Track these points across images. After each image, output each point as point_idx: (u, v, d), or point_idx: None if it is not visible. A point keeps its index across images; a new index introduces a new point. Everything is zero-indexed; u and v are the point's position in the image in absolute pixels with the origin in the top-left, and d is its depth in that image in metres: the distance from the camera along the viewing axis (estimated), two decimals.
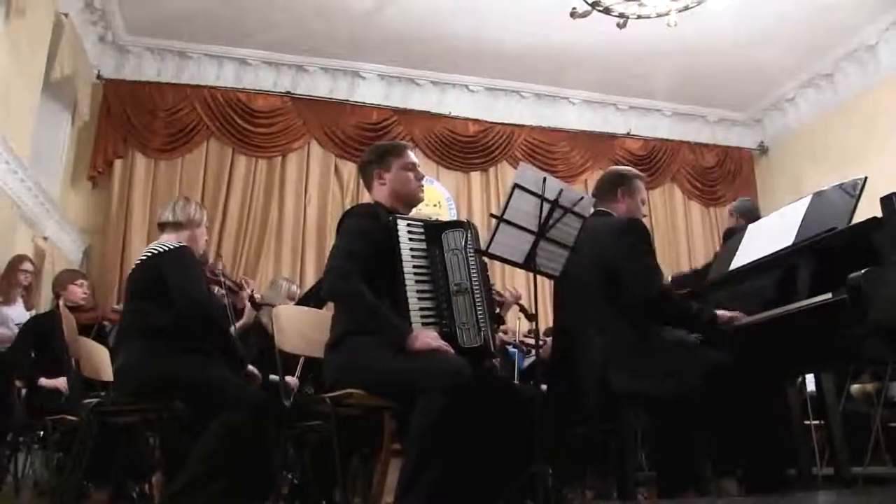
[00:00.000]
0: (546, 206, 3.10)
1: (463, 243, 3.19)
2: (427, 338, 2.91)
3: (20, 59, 6.49)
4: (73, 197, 8.51)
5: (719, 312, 3.38)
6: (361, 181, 3.59)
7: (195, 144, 8.88)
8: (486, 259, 3.31)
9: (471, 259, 3.18)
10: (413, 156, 3.47)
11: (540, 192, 3.09)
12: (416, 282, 3.08)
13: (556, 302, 3.68)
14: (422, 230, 3.20)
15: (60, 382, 5.32)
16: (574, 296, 3.46)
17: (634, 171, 3.82)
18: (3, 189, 6.24)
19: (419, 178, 3.45)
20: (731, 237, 4.10)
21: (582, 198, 3.22)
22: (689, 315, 3.33)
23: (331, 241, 8.48)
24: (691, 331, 3.40)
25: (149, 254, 3.65)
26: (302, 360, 4.86)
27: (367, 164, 3.47)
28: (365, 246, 3.09)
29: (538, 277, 3.20)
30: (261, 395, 3.49)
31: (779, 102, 10.23)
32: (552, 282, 3.56)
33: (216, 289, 4.63)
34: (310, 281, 8.29)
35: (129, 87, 8.80)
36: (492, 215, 3.14)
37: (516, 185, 3.07)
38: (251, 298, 5.09)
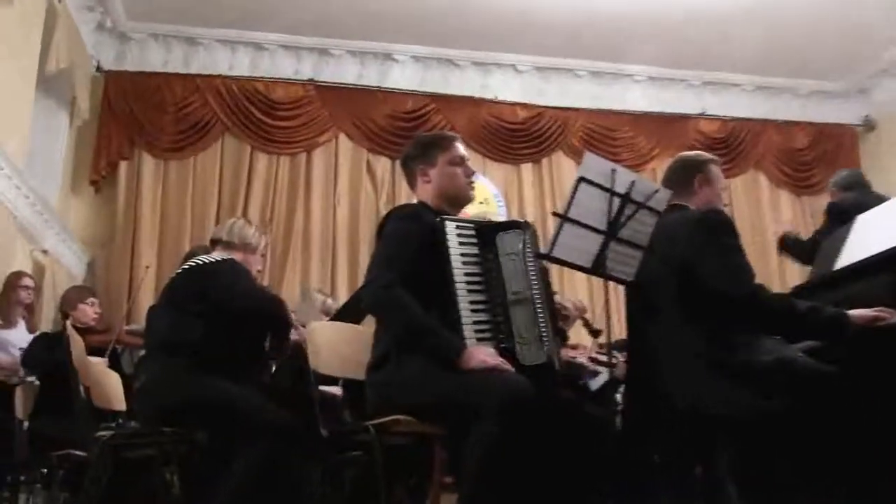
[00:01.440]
0: (616, 202, 3.08)
1: (520, 246, 3.18)
2: (483, 355, 2.90)
3: (11, 52, 6.59)
4: (75, 205, 8.64)
5: (854, 312, 3.08)
6: (404, 178, 3.60)
7: (209, 142, 8.97)
8: (545, 264, 3.29)
9: (530, 264, 3.16)
10: (462, 148, 3.47)
11: (609, 186, 3.07)
12: (469, 291, 3.07)
13: (629, 312, 3.63)
14: (473, 232, 3.19)
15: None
16: (649, 304, 3.41)
17: (708, 154, 3.74)
18: None
19: (469, 173, 3.44)
20: (838, 215, 3.98)
21: (657, 191, 3.19)
22: (795, 316, 3.10)
23: (364, 247, 8.86)
24: (798, 337, 3.24)
25: (193, 264, 3.74)
26: (339, 382, 4.88)
27: (410, 159, 3.47)
28: (408, 252, 3.09)
29: (608, 284, 3.17)
30: (295, 423, 3.52)
31: (890, 68, 9.88)
32: (623, 289, 3.52)
33: None
34: (342, 292, 8.33)
35: (133, 79, 8.92)
36: (555, 214, 3.12)
37: (581, 179, 3.05)
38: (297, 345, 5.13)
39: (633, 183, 3.13)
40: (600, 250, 3.12)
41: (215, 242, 3.98)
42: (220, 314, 3.63)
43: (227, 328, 3.64)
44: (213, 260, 3.78)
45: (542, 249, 3.18)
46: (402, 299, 2.99)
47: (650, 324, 3.35)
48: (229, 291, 3.65)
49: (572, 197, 3.06)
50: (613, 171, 3.10)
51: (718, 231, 3.24)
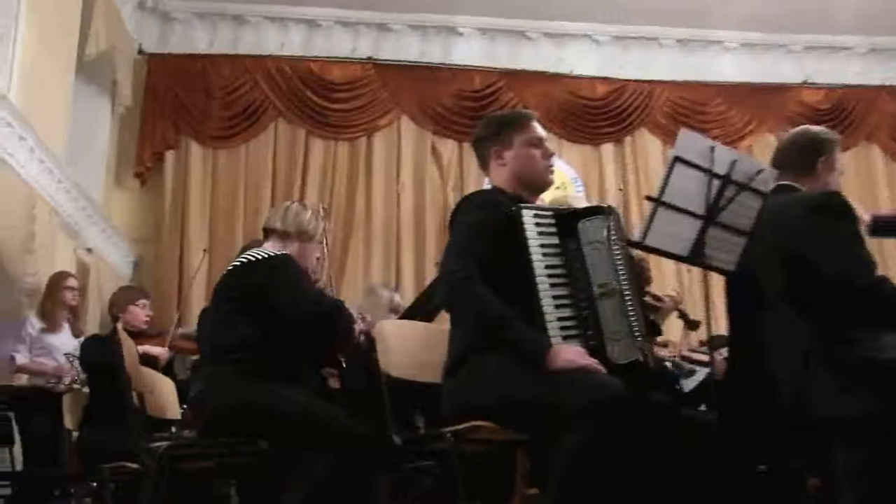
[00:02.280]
0: (716, 183, 3.04)
1: (605, 234, 3.14)
2: (571, 354, 2.88)
3: (47, 36, 6.72)
4: (119, 198, 8.83)
5: None
6: (476, 160, 3.59)
7: (261, 128, 9.11)
8: (632, 252, 3.26)
9: (616, 253, 3.12)
10: (539, 128, 3.44)
11: (707, 166, 3.03)
12: (552, 285, 3.03)
13: (730, 305, 3.58)
14: (552, 220, 3.16)
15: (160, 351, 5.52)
16: (754, 296, 3.36)
17: (832, 133, 3.66)
18: (38, 193, 6.48)
19: (548, 156, 3.42)
20: None
21: (761, 170, 3.14)
22: None
23: (431, 238, 8.88)
24: None
25: (244, 260, 3.76)
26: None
27: (482, 140, 3.46)
28: (484, 244, 3.08)
29: (707, 274, 3.13)
30: (364, 430, 3.53)
31: None
32: (723, 279, 3.47)
33: None
34: (408, 287, 8.38)
35: (177, 62, 9.08)
36: (648, 198, 3.08)
37: (676, 159, 3.01)
38: (366, 334, 5.14)
39: (734, 162, 3.08)
40: (698, 237, 3.07)
41: (268, 232, 3.98)
42: (275, 317, 3.65)
43: (283, 331, 3.66)
44: (266, 256, 3.77)
45: (634, 236, 3.14)
46: (481, 294, 2.97)
47: (755, 318, 3.29)
48: (283, 294, 3.66)
49: (667, 179, 3.02)
50: (712, 149, 3.05)
51: (837, 216, 3.16)
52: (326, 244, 4.38)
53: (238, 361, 3.56)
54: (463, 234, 3.17)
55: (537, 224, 3.11)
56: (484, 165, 3.49)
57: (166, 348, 6.15)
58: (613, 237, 3.14)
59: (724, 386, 3.67)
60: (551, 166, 3.44)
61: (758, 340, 3.30)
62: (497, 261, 3.05)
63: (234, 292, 3.72)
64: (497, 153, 3.40)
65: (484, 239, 3.09)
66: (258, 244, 4.20)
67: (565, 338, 2.97)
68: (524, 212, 3.11)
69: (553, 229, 3.13)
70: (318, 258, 4.12)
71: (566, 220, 3.16)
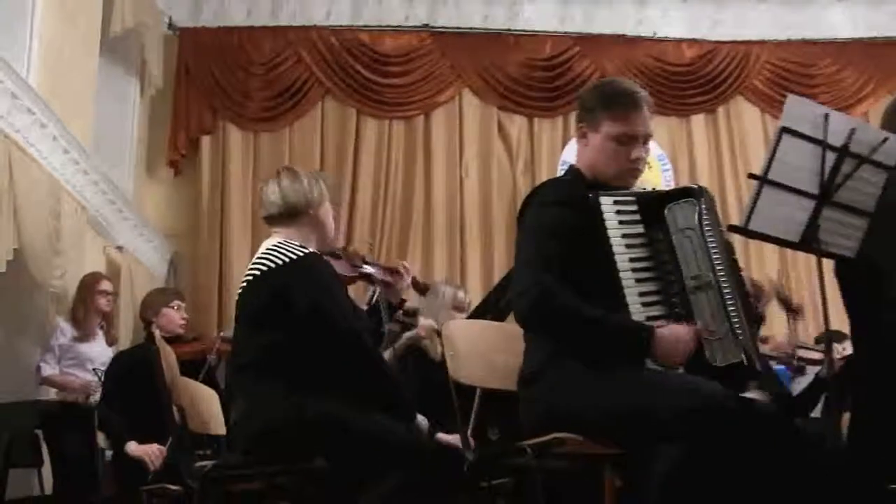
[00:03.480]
0: (831, 157, 2.98)
1: (696, 219, 3.10)
2: (680, 337, 2.91)
3: (68, 13, 6.76)
4: (151, 190, 8.93)
5: None
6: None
7: (307, 107, 9.15)
8: (729, 237, 3.22)
9: (710, 240, 3.08)
10: (641, 121, 3.34)
11: (820, 137, 2.97)
12: (638, 281, 3.03)
13: (848, 297, 3.52)
14: (635, 207, 3.13)
15: (152, 449, 5.48)
16: (880, 285, 3.29)
17: None
18: (63, 187, 6.54)
19: (636, 157, 3.32)
20: None
21: (885, 139, 3.07)
22: None
23: (500, 226, 8.89)
24: None
25: (262, 268, 3.67)
26: (478, 393, 4.86)
27: (579, 111, 3.42)
28: (563, 246, 3.06)
29: (822, 261, 3.08)
30: (435, 448, 3.53)
31: None
32: (841, 267, 3.40)
33: (368, 291, 4.64)
34: (474, 284, 8.36)
35: (212, 36, 9.13)
36: (751, 176, 3.03)
37: (784, 129, 2.96)
38: (415, 283, 5.03)
39: (852, 131, 3.02)
40: (811, 219, 3.03)
41: (271, 220, 3.87)
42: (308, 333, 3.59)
43: (321, 347, 3.61)
44: (282, 261, 3.68)
45: (736, 220, 3.10)
46: (565, 305, 2.97)
47: (882, 311, 3.23)
48: (306, 294, 3.57)
49: (773, 153, 2.98)
50: (826, 116, 2.99)
51: None
52: (339, 205, 4.19)
53: (281, 378, 3.53)
54: (532, 239, 3.15)
55: (618, 212, 3.10)
56: (576, 131, 3.46)
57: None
58: (706, 222, 3.11)
59: (849, 389, 3.61)
60: (636, 169, 3.35)
61: (886, 337, 3.24)
62: (575, 257, 3.04)
63: (258, 306, 3.63)
64: (582, 131, 3.37)
65: (557, 240, 3.07)
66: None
67: None
68: (603, 199, 3.10)
69: (636, 217, 3.12)
70: (333, 217, 4.03)
71: (651, 206, 3.15)
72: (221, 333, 6.60)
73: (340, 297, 3.69)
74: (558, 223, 3.11)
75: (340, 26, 9.31)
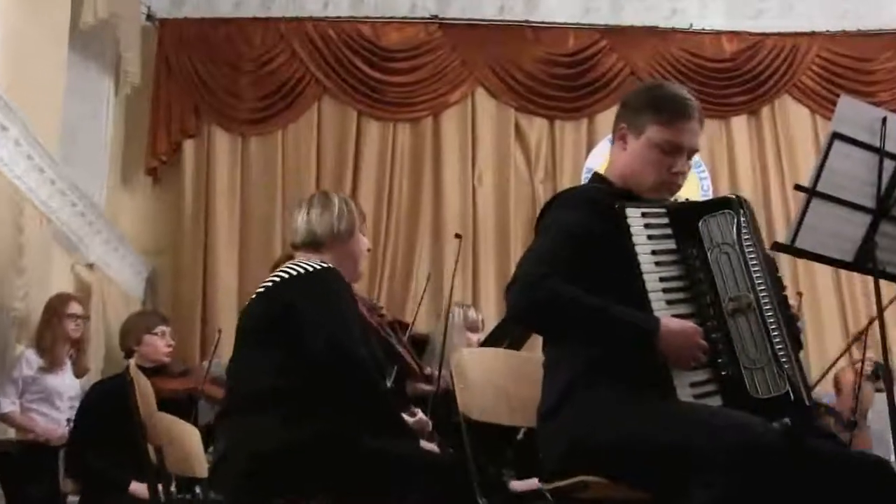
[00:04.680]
0: (889, 166, 2.95)
1: (734, 233, 3.07)
2: (684, 333, 2.90)
3: (33, 2, 6.73)
4: (127, 201, 8.89)
5: None
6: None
7: (302, 108, 9.15)
8: (772, 253, 3.18)
9: (750, 256, 3.05)
10: (690, 131, 3.33)
11: (877, 144, 2.94)
12: (669, 303, 2.98)
13: None
14: (666, 220, 3.10)
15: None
16: None
17: None
18: (26, 197, 6.50)
19: (677, 168, 3.31)
20: None
21: None
22: None
23: (518, 240, 8.80)
24: None
25: (276, 279, 3.73)
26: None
27: (621, 112, 3.39)
28: (574, 250, 3.03)
29: (880, 283, 3.04)
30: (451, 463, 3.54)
31: None
32: None
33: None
34: (489, 306, 8.34)
35: (196, 28, 9.13)
36: (798, 188, 3.00)
37: (836, 135, 2.93)
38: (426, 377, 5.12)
39: None
40: (867, 236, 3.00)
41: (296, 247, 3.97)
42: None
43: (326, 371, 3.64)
44: (304, 269, 3.73)
45: (782, 237, 3.06)
46: (558, 289, 2.93)
47: None
48: (311, 316, 3.60)
49: (823, 161, 2.95)
50: (884, 120, 2.96)
51: None
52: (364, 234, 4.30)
53: (275, 409, 3.53)
54: (549, 237, 3.12)
55: (647, 225, 3.05)
56: (614, 133, 3.44)
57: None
58: (746, 237, 3.07)
59: None
60: (675, 183, 3.34)
61: None
62: (598, 274, 2.99)
63: (262, 322, 3.70)
64: (623, 133, 3.34)
65: (573, 244, 3.04)
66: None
67: (689, 369, 2.93)
68: (630, 210, 3.05)
69: (668, 231, 3.08)
70: (368, 250, 4.10)
71: (684, 219, 3.10)
72: (211, 372, 6.51)
73: (350, 319, 3.71)
74: (578, 226, 3.08)
75: (339, 18, 9.32)
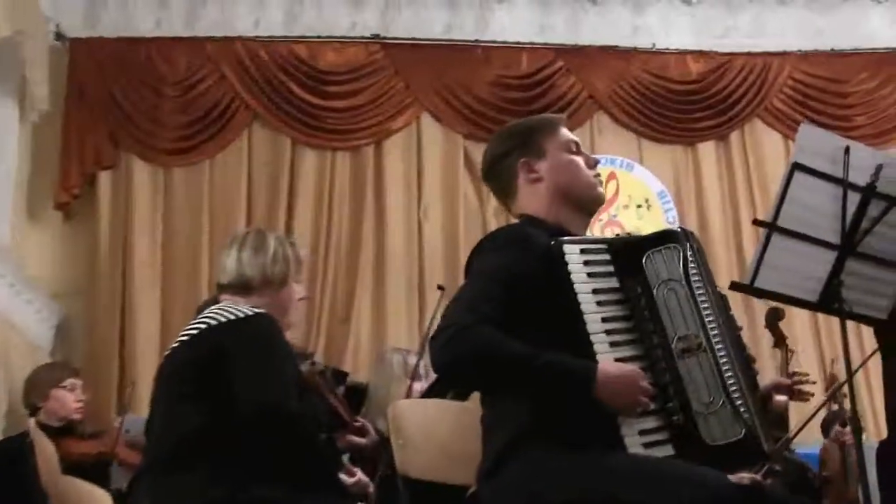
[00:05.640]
0: (854, 198, 3.00)
1: (681, 269, 3.14)
2: (625, 378, 2.94)
3: None
4: (34, 239, 8.74)
5: None
6: (491, 191, 3.62)
7: (230, 136, 9.11)
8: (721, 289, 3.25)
9: (699, 293, 3.13)
10: (569, 132, 3.51)
11: (840, 175, 2.99)
12: (612, 345, 3.06)
13: (887, 366, 3.55)
14: (607, 256, 3.17)
15: None
16: None
17: None
18: None
19: (593, 164, 3.45)
20: None
21: None
22: None
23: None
24: None
25: (203, 324, 3.71)
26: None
27: (503, 157, 3.49)
28: (506, 294, 3.06)
29: (847, 324, 3.09)
30: None
31: None
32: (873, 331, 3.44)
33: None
34: None
35: (113, 49, 9.04)
36: (757, 222, 3.05)
37: (796, 166, 2.98)
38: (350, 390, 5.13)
39: (879, 168, 3.05)
40: (832, 274, 3.04)
41: (223, 289, 3.95)
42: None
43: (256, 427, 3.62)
44: (234, 316, 3.72)
45: (738, 276, 3.11)
46: (484, 340, 2.95)
47: None
48: (243, 368, 3.60)
49: (783, 194, 2.99)
50: (846, 150, 3.02)
51: None
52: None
53: (201, 469, 3.52)
54: (478, 282, 3.16)
55: (587, 262, 3.14)
56: (506, 191, 3.54)
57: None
58: (693, 272, 3.16)
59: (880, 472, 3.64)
60: (599, 177, 3.46)
61: None
62: (535, 319, 3.04)
63: (188, 371, 3.69)
64: (527, 167, 3.43)
65: (503, 287, 3.07)
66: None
67: (638, 416, 2.98)
68: (567, 247, 3.13)
69: (609, 268, 3.15)
70: (300, 299, 4.10)
71: (626, 254, 3.18)
72: (126, 432, 6.42)
73: (286, 371, 3.72)
74: (510, 268, 3.12)
75: (272, 38, 9.29)
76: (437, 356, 3.05)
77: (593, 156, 3.54)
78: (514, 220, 3.57)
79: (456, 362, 3.04)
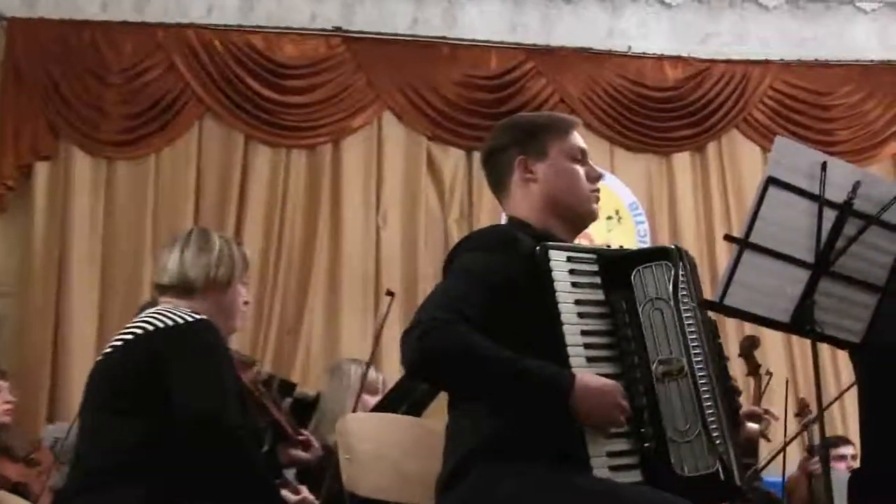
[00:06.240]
0: (829, 216, 3.04)
1: (670, 288, 3.15)
2: (603, 391, 2.94)
3: None
4: None
5: None
6: (487, 179, 3.59)
7: (179, 129, 9.09)
8: (712, 314, 3.26)
9: (686, 315, 3.13)
10: (581, 139, 3.49)
11: (817, 191, 3.03)
12: (589, 360, 3.05)
13: (862, 390, 3.59)
14: (595, 267, 3.17)
15: None
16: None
17: None
18: None
19: (594, 177, 3.45)
20: None
21: None
22: None
23: (426, 291, 8.65)
24: None
25: (140, 329, 3.66)
26: None
27: (502, 149, 3.48)
28: (485, 296, 3.06)
29: (820, 347, 3.13)
30: None
31: None
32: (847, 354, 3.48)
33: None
34: (393, 363, 8.29)
35: (55, 32, 8.99)
36: (728, 238, 3.08)
37: (770, 181, 3.01)
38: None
39: (857, 185, 3.07)
40: (805, 294, 3.07)
41: (163, 290, 3.91)
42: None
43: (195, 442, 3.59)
44: (173, 321, 3.68)
45: (712, 294, 3.13)
46: (462, 338, 2.94)
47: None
48: (182, 378, 3.56)
49: (756, 210, 3.00)
50: (823, 165, 3.05)
51: None
52: (247, 284, 4.27)
53: (135, 487, 3.50)
54: (458, 280, 3.16)
55: (572, 271, 3.12)
56: (500, 185, 3.49)
57: None
58: (683, 293, 3.13)
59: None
60: (597, 192, 3.46)
61: None
62: (513, 325, 3.02)
63: (122, 380, 3.65)
64: (524, 165, 3.41)
65: (483, 289, 3.07)
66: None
67: (607, 437, 2.97)
68: (554, 253, 3.11)
69: (596, 279, 3.14)
70: (246, 302, 4.08)
71: (615, 267, 3.17)
72: (49, 482, 6.32)
73: (228, 383, 3.68)
74: (493, 270, 3.11)
75: (227, 26, 9.28)
76: (409, 351, 3.01)
77: (598, 169, 3.50)
78: (480, 227, 3.57)
79: (430, 358, 3.01)
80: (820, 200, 3.03)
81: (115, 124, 9.00)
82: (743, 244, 3.02)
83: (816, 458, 5.84)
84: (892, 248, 3.16)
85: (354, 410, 5.50)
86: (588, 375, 2.94)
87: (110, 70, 9.02)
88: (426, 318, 3.01)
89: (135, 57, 9.08)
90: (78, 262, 8.66)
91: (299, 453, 4.75)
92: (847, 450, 7.16)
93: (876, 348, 3.27)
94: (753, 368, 6.18)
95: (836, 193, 3.06)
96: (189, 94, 9.13)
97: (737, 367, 6.25)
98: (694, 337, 3.10)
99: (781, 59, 9.75)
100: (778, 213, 3.04)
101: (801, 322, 3.07)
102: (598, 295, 3.13)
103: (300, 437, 4.72)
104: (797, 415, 6.90)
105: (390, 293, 6.57)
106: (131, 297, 8.28)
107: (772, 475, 6.92)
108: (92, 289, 8.59)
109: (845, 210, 3.07)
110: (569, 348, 3.01)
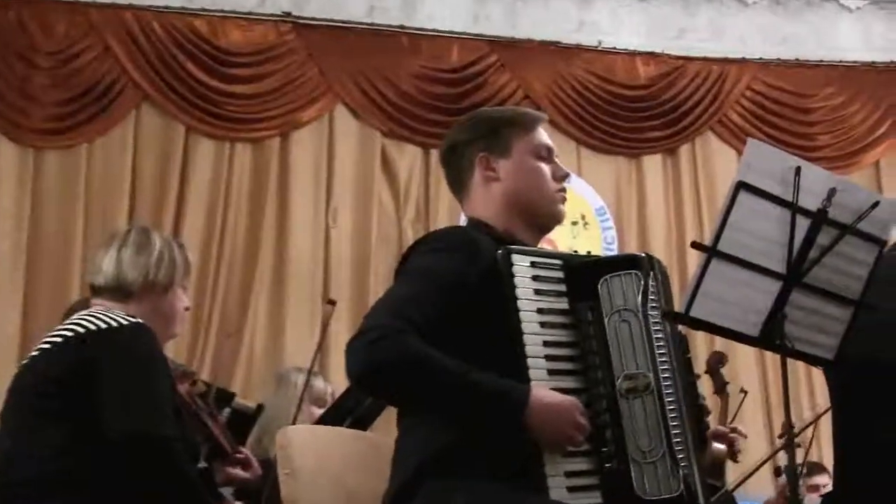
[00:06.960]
0: (803, 224, 3.09)
1: (638, 299, 3.17)
2: (559, 408, 2.95)
3: None
4: None
5: None
6: (445, 177, 3.61)
7: (114, 118, 9.04)
8: (682, 328, 3.29)
9: (655, 328, 3.16)
10: (548, 137, 3.51)
11: (789, 197, 3.06)
12: (550, 372, 3.06)
13: (836, 408, 3.63)
14: (560, 274, 3.19)
15: None
16: (872, 395, 3.39)
17: None
18: None
19: (560, 176, 3.47)
20: None
21: (876, 204, 3.17)
22: None
23: (379, 294, 8.68)
24: None
25: (69, 332, 3.66)
26: None
27: (462, 147, 3.47)
28: (439, 301, 3.08)
29: (791, 364, 3.16)
30: None
31: None
32: (820, 371, 3.51)
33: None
34: (341, 372, 8.30)
35: None
36: (696, 245, 3.11)
37: (741, 186, 3.04)
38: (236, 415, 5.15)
39: (832, 192, 3.09)
40: (775, 306, 3.11)
41: (97, 291, 3.90)
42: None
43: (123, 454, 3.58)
44: (106, 324, 3.66)
45: (679, 305, 3.15)
46: (409, 348, 2.95)
47: (877, 429, 3.34)
48: (112, 388, 3.55)
49: (725, 216, 3.01)
50: (797, 170, 3.08)
51: None
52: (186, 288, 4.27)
53: (57, 501, 3.50)
54: (410, 284, 3.18)
55: (536, 278, 3.14)
56: (459, 184, 3.50)
57: None
58: (653, 305, 3.15)
59: None
60: (563, 192, 3.48)
61: (885, 459, 3.34)
62: (469, 335, 3.04)
63: (47, 386, 3.63)
64: (485, 162, 3.42)
65: (445, 297, 3.08)
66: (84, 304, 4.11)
67: (567, 455, 2.97)
68: (517, 258, 3.12)
69: (560, 287, 3.17)
70: (186, 308, 4.08)
71: (581, 275, 3.18)
72: None
73: (163, 392, 3.70)
74: (449, 274, 3.12)
75: (168, 8, 9.21)
76: (356, 361, 3.02)
77: (565, 168, 3.51)
78: (436, 228, 3.58)
79: (377, 370, 3.01)
80: (793, 208, 3.04)
81: (44, 111, 8.95)
82: (711, 252, 3.03)
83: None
84: (868, 260, 3.18)
85: (295, 422, 5.51)
86: (544, 390, 2.95)
87: (38, 52, 8.94)
88: (374, 326, 3.02)
89: (66, 39, 9.01)
90: (1, 259, 8.60)
91: (237, 472, 4.74)
92: (822, 479, 7.19)
93: (850, 365, 3.30)
94: (720, 387, 6.22)
95: (811, 201, 3.06)
96: (125, 80, 9.07)
97: (706, 385, 6.33)
98: (662, 352, 3.14)
99: (760, 58, 9.83)
100: (748, 221, 3.03)
101: (771, 336, 3.07)
102: (563, 304, 3.15)
103: (238, 455, 4.71)
104: (781, 436, 6.96)
105: (331, 302, 6.53)
106: (58, 295, 8.30)
107: (750, 498, 6.99)
108: (15, 287, 8.52)
109: (820, 218, 3.08)
110: (529, 360, 3.02)
